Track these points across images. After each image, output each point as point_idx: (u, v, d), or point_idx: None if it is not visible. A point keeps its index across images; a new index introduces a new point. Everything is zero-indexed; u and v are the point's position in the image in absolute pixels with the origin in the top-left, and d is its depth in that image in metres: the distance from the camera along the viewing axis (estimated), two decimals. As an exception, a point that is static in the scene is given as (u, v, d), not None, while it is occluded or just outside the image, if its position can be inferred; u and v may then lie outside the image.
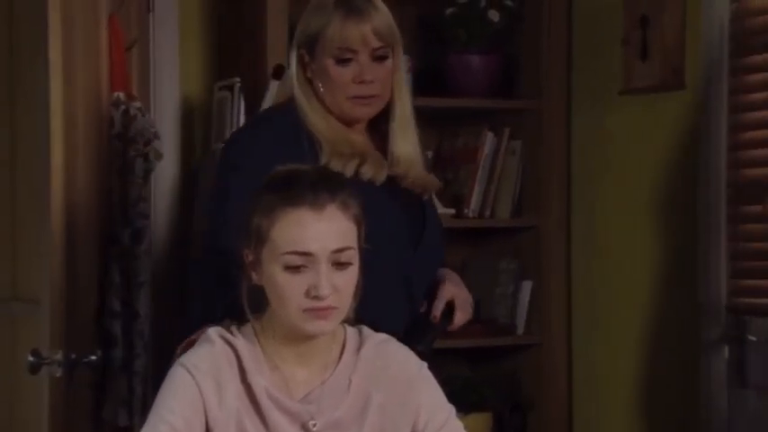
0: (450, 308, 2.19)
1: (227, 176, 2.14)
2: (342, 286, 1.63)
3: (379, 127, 2.21)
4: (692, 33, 2.91)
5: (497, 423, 3.15)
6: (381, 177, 2.14)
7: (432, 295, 2.20)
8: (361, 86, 2.12)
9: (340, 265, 1.63)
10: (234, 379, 1.67)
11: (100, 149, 2.72)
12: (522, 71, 3.30)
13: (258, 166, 1.90)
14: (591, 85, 3.22)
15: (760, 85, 2.79)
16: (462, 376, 3.12)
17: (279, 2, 2.94)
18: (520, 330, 3.26)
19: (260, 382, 1.67)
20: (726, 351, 2.83)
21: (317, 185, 1.64)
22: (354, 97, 2.13)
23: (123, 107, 2.82)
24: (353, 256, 1.65)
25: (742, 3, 2.83)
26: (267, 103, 2.93)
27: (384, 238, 1.93)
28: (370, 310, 1.75)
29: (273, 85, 2.92)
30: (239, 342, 1.69)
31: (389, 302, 2.06)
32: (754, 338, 2.74)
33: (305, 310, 1.63)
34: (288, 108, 2.17)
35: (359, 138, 2.17)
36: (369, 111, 2.16)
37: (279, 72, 2.92)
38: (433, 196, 2.38)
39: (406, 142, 2.18)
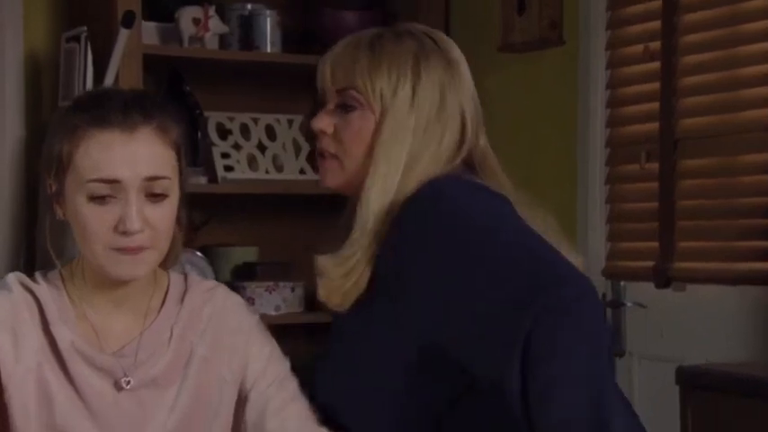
0: None
1: None
2: (156, 221, 1.42)
3: None
4: (569, -16, 2.79)
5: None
6: None
7: None
8: (319, 138, 1.57)
9: (154, 197, 1.42)
10: (35, 331, 1.45)
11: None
12: (399, 29, 3.14)
13: None
14: (469, 42, 3.06)
15: (637, 38, 2.66)
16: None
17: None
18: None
19: (65, 333, 1.46)
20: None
21: (129, 105, 1.43)
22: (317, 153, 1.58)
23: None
24: (170, 187, 1.44)
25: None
26: (117, 54, 2.70)
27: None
28: None
29: (123, 34, 2.69)
30: (41, 289, 1.47)
31: None
32: (630, 304, 2.61)
33: (113, 249, 1.42)
34: None
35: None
36: (326, 178, 1.55)
37: (129, 19, 2.69)
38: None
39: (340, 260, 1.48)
